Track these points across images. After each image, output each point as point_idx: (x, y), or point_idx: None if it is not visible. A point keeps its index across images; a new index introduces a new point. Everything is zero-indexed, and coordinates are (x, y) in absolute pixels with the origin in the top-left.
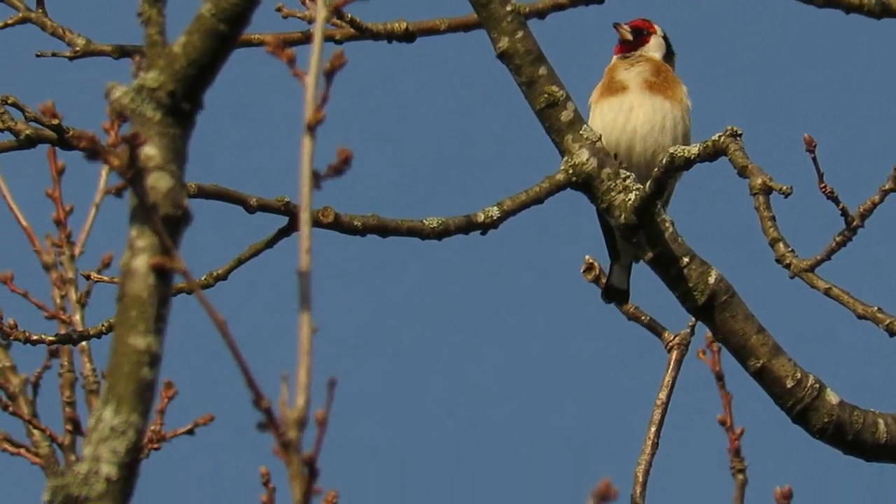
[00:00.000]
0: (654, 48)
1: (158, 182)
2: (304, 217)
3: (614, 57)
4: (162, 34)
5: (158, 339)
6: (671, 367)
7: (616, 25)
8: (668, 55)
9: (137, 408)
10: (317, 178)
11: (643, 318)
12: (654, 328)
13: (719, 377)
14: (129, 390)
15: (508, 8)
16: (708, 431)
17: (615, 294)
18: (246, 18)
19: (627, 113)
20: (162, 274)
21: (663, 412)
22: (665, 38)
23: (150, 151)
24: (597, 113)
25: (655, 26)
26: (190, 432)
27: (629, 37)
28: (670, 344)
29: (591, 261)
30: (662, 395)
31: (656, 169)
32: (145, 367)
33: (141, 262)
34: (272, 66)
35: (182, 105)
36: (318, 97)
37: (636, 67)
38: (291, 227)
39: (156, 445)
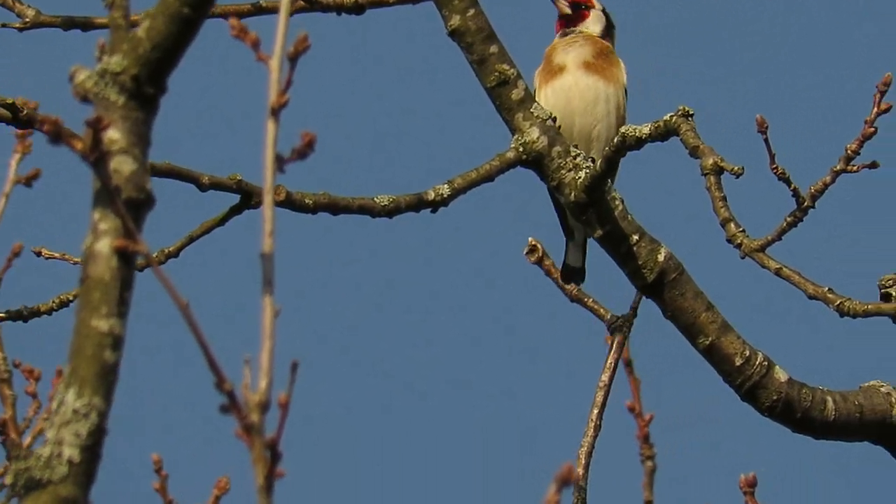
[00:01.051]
0: (593, 22)
1: (122, 165)
2: (268, 200)
3: (556, 35)
4: (126, 17)
5: (121, 321)
6: (613, 349)
7: (554, 0)
8: (608, 28)
9: (100, 390)
10: (280, 162)
11: (586, 299)
12: (597, 310)
13: (627, 363)
14: (92, 373)
15: None
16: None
17: (572, 273)
18: (209, 1)
19: (567, 92)
20: (125, 257)
21: (606, 394)
22: (604, 11)
23: (114, 135)
24: (540, 97)
25: (595, 0)
26: None
27: (568, 11)
28: (612, 325)
29: (533, 242)
30: (605, 377)
31: (607, 147)
32: (108, 349)
33: (104, 245)
34: (233, 47)
35: (146, 89)
36: (282, 80)
37: (574, 48)
38: (244, 205)
39: None
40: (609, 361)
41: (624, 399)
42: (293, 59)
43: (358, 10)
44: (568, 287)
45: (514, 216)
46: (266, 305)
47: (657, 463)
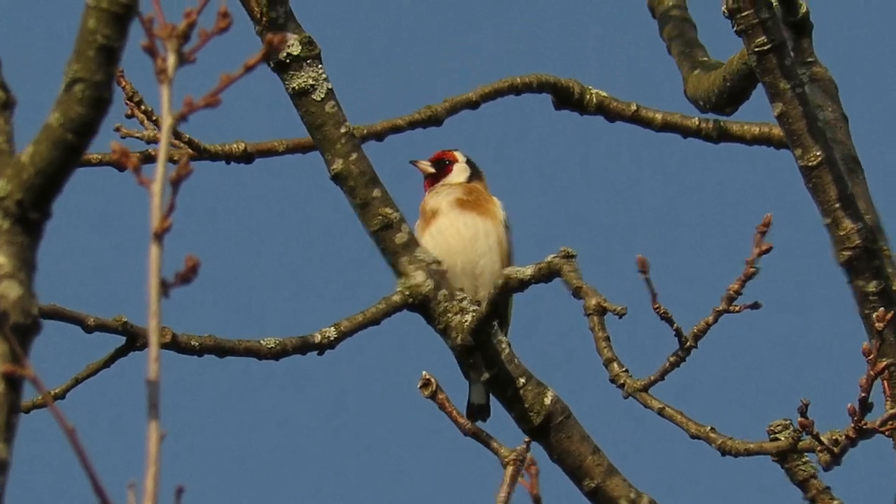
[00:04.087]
0: (458, 173)
1: (8, 291)
2: (153, 325)
3: (426, 193)
4: (10, 142)
5: (7, 447)
6: (507, 482)
7: (413, 163)
8: (475, 175)
9: None
10: (165, 287)
11: (480, 433)
12: (490, 444)
13: (537, 500)
14: None
15: (342, 130)
16: None
17: (478, 410)
18: (94, 128)
19: (442, 234)
20: (11, 382)
21: None
22: (469, 161)
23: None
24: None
25: (456, 154)
26: None
27: (431, 170)
28: (507, 460)
29: (427, 377)
30: None
31: (491, 290)
32: None
33: None
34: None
35: (30, 214)
36: (165, 206)
37: (444, 192)
38: (129, 347)
39: None
40: (501, 496)
41: None
42: (175, 183)
43: (247, 159)
44: (461, 421)
45: (400, 357)
46: (152, 430)
47: None
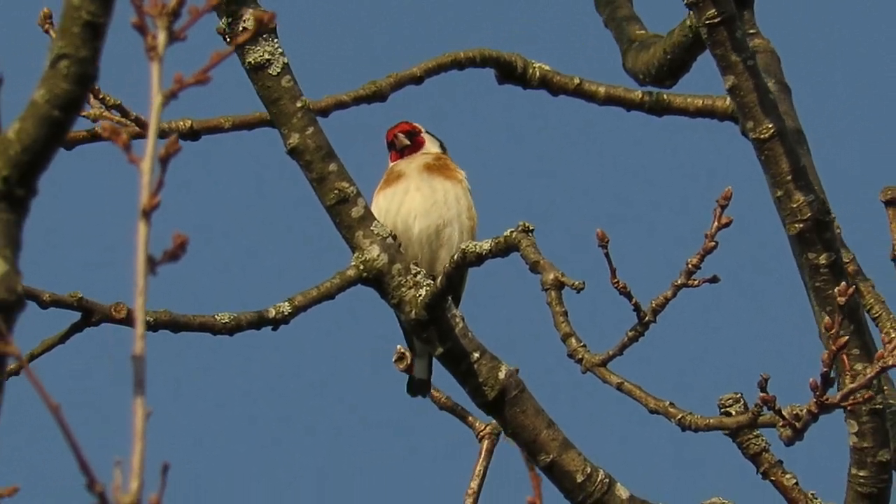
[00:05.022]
0: (430, 146)
1: None
2: (139, 303)
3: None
4: None
5: None
6: (482, 456)
7: (394, 138)
8: (442, 148)
9: None
10: (152, 264)
11: (455, 407)
12: (466, 417)
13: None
14: None
15: (298, 104)
16: None
17: (418, 385)
18: (79, 104)
19: (402, 196)
20: None
21: (475, 501)
22: (429, 133)
23: None
24: (373, 204)
25: (419, 125)
26: None
27: (407, 142)
28: (481, 433)
29: (402, 350)
30: (474, 485)
31: (447, 264)
32: None
33: None
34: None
35: (16, 191)
36: (154, 183)
37: (413, 159)
38: (85, 323)
39: None
40: (478, 469)
41: None
42: (164, 160)
43: (193, 136)
44: (436, 395)
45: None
46: (137, 407)
47: None
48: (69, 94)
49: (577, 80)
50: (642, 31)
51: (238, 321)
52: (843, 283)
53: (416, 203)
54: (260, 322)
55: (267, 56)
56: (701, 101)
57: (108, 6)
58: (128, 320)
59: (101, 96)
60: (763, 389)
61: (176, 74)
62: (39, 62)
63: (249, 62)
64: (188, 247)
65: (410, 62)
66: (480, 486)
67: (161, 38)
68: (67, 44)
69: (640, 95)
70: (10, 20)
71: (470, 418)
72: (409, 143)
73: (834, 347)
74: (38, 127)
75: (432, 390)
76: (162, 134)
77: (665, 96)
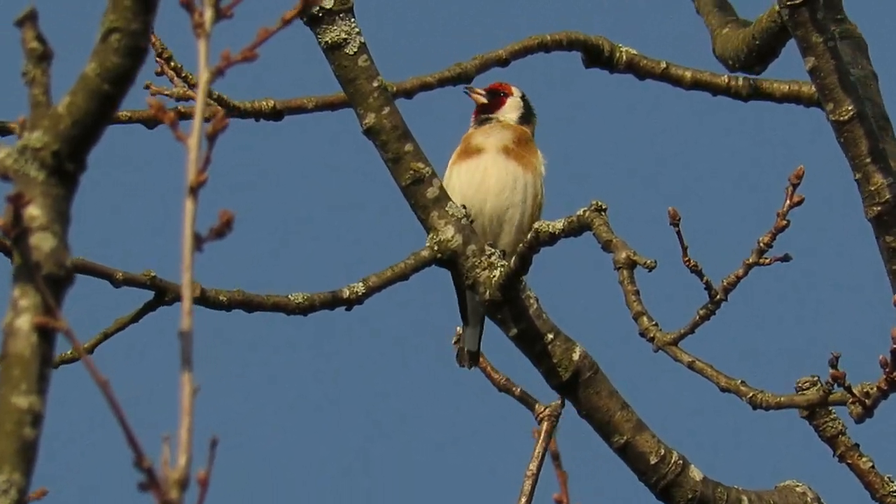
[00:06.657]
0: (510, 110)
1: (42, 242)
2: (186, 279)
3: (472, 123)
4: (46, 94)
5: (41, 398)
6: (541, 438)
7: (468, 90)
8: (527, 117)
9: (20, 467)
10: (199, 241)
11: (515, 389)
12: (526, 400)
13: (555, 456)
14: (12, 449)
15: (375, 84)
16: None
17: (469, 357)
18: (130, 78)
19: (483, 172)
20: (44, 333)
21: (534, 483)
22: (524, 98)
23: (34, 212)
24: (453, 173)
25: (513, 88)
26: None
27: (484, 100)
28: (541, 415)
29: (461, 332)
30: (533, 467)
31: (521, 245)
32: (28, 426)
33: (24, 322)
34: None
35: (66, 165)
36: (201, 160)
37: (493, 133)
38: (158, 302)
39: None
40: (537, 451)
41: (552, 491)
42: (211, 137)
43: (276, 116)
44: (496, 376)
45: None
46: (185, 382)
47: None
48: (120, 67)
49: (663, 65)
50: (733, 17)
51: (312, 301)
52: None
53: (490, 184)
54: (334, 302)
55: (344, 35)
56: (787, 87)
57: None
58: (202, 300)
59: (183, 74)
60: (833, 366)
61: (223, 51)
62: (91, 36)
63: (326, 42)
64: (233, 224)
65: (496, 45)
66: (539, 467)
67: (208, 14)
68: (119, 17)
69: (725, 80)
70: None
71: (530, 400)
72: (485, 100)
73: None
74: (88, 101)
75: (491, 371)
76: (245, 113)
77: (751, 81)
